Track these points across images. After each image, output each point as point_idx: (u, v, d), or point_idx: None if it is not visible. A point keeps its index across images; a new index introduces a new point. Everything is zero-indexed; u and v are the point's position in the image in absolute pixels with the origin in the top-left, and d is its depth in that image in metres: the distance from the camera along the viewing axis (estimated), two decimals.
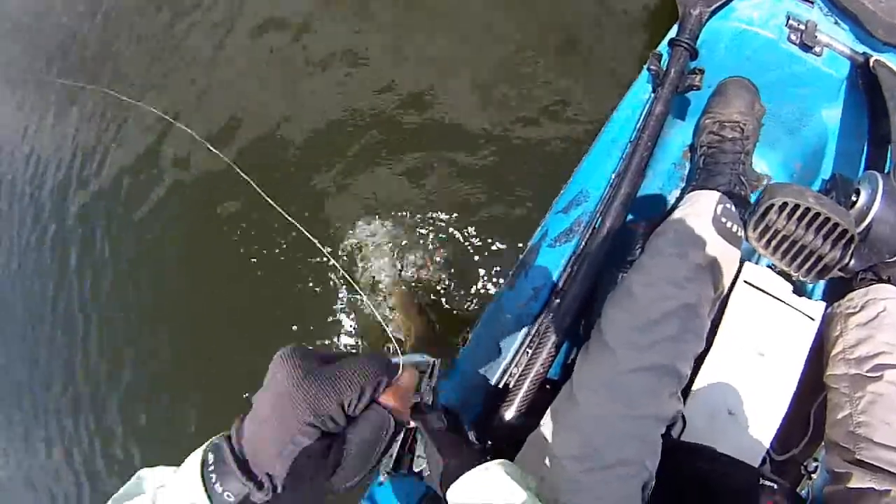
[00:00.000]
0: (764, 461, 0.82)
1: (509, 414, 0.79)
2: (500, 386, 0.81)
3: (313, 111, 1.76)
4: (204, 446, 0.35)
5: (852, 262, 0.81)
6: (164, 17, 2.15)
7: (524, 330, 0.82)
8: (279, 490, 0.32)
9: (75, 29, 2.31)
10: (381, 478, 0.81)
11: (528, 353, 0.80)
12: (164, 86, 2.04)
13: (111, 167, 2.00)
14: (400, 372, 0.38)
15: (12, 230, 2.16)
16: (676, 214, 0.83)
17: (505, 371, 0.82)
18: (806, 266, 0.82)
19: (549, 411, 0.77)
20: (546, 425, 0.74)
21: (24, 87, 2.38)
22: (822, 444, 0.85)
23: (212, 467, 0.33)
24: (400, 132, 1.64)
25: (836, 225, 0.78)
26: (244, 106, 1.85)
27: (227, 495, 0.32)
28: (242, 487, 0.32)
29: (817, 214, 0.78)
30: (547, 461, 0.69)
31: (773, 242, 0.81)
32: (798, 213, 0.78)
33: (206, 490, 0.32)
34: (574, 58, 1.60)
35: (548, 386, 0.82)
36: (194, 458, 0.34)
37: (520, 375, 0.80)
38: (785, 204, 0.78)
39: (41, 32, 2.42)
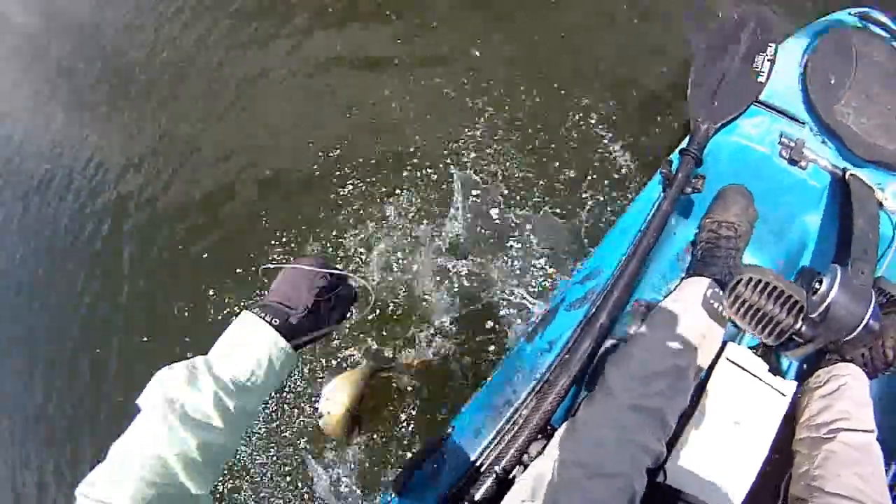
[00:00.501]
0: None
1: (520, 441, 0.93)
2: (510, 423, 0.95)
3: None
4: (242, 313, 0.66)
5: (804, 329, 0.98)
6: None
7: (537, 376, 0.97)
8: (307, 311, 0.66)
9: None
10: (389, 497, 0.94)
11: (537, 398, 0.95)
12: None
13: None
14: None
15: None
16: (674, 294, 0.99)
17: (517, 409, 0.96)
18: (767, 330, 1.00)
19: (553, 440, 0.92)
20: (553, 447, 0.88)
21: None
22: None
23: (258, 310, 0.64)
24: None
25: (790, 297, 0.96)
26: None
27: (274, 321, 0.63)
28: (282, 313, 0.64)
29: (775, 288, 0.97)
30: (555, 467, 0.83)
31: (742, 309, 1.00)
32: (760, 286, 0.96)
33: (260, 318, 0.64)
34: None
35: (549, 428, 0.96)
36: (242, 316, 0.65)
37: (529, 413, 0.93)
38: (751, 279, 0.97)
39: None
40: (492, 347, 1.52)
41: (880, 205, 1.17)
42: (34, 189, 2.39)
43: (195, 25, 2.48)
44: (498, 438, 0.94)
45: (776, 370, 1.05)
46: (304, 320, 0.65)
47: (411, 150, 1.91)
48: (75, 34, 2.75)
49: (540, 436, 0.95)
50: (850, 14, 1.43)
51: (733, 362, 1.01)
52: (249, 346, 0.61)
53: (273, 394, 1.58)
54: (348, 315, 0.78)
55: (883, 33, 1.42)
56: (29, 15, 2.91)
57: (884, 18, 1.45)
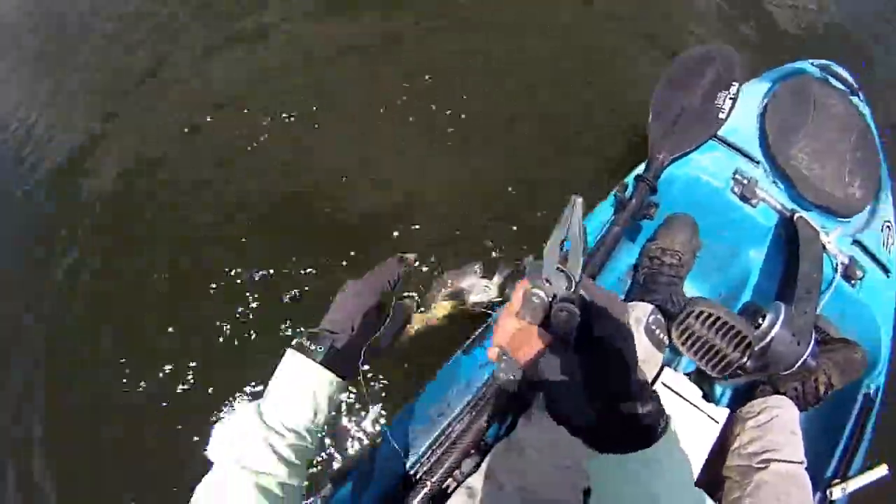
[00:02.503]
0: None
1: (453, 457, 0.93)
2: (443, 436, 0.94)
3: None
4: (289, 350, 0.62)
5: (749, 363, 1.00)
6: None
7: (474, 390, 0.97)
8: (354, 331, 0.61)
9: None
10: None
11: (472, 413, 0.93)
12: None
13: None
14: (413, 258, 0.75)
15: None
16: None
17: (450, 423, 0.95)
18: (713, 362, 1.02)
19: (488, 460, 0.91)
20: (487, 466, 0.85)
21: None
22: None
23: (305, 342, 0.60)
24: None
25: (738, 332, 0.98)
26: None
27: (319, 348, 0.59)
28: (326, 340, 0.59)
29: (725, 322, 0.98)
30: (490, 492, 0.81)
31: (690, 341, 1.01)
32: (710, 320, 0.98)
33: (302, 353, 0.59)
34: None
35: (483, 443, 0.96)
36: (288, 354, 0.61)
37: (463, 430, 0.92)
38: (702, 312, 0.98)
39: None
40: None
41: (824, 247, 1.22)
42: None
43: None
44: (430, 452, 0.93)
45: (709, 397, 1.08)
46: (350, 345, 0.61)
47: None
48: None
49: (473, 451, 0.95)
50: (811, 64, 1.50)
51: (669, 387, 1.03)
52: (300, 390, 0.58)
53: None
54: (400, 335, 0.74)
55: (841, 86, 1.50)
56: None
57: (843, 73, 1.53)
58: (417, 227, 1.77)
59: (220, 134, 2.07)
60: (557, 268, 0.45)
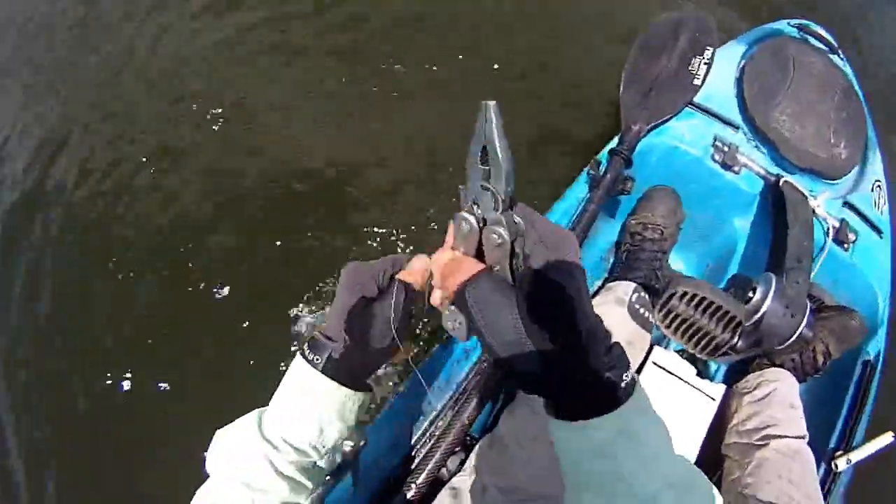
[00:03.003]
0: None
1: (437, 456, 0.88)
2: (427, 435, 0.90)
3: None
4: (296, 357, 0.53)
5: (739, 343, 0.94)
6: None
7: (454, 386, 0.93)
8: (343, 343, 0.50)
9: None
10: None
11: (454, 408, 0.90)
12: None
13: None
14: (407, 259, 0.57)
15: None
16: (597, 299, 0.96)
17: (433, 421, 0.91)
18: (701, 345, 0.96)
19: (473, 456, 0.87)
20: (473, 463, 0.85)
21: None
22: None
23: (307, 349, 0.51)
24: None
25: (726, 312, 0.92)
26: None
27: (316, 359, 0.50)
28: (325, 349, 0.50)
29: (711, 303, 0.92)
30: (477, 490, 0.79)
31: (675, 324, 0.95)
32: (695, 300, 0.93)
33: (307, 362, 0.50)
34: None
35: (468, 439, 0.92)
36: (294, 362, 0.52)
37: (445, 428, 0.88)
38: (685, 293, 0.92)
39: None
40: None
41: (813, 212, 1.17)
42: None
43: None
44: (414, 452, 0.89)
45: (704, 373, 1.04)
46: (349, 353, 0.50)
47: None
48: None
49: (458, 448, 0.91)
50: (789, 24, 1.46)
51: (660, 366, 0.99)
52: (302, 403, 0.50)
53: None
54: (405, 332, 0.56)
55: (820, 45, 1.45)
56: None
57: (822, 31, 1.48)
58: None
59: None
60: (482, 186, 0.38)
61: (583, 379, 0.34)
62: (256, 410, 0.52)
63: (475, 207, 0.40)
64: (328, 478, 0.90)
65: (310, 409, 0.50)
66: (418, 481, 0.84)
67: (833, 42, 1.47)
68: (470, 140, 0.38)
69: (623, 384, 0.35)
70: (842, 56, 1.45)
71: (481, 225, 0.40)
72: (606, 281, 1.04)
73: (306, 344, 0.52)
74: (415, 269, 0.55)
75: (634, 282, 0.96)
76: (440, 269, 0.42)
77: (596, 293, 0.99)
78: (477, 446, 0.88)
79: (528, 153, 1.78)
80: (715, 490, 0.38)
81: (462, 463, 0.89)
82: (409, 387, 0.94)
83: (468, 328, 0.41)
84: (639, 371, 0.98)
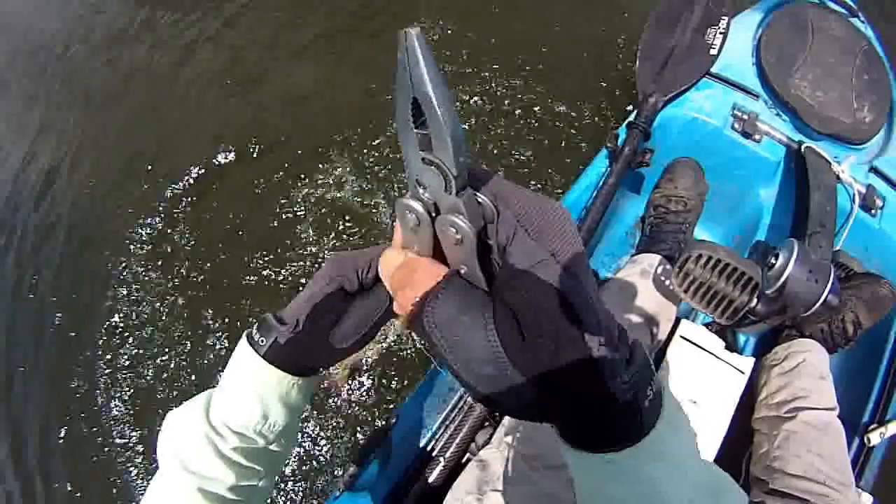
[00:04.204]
0: None
1: (465, 430, 0.89)
2: (456, 410, 0.91)
3: None
4: (244, 335, 0.48)
5: (759, 306, 0.93)
6: None
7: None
8: (300, 327, 0.44)
9: None
10: (338, 492, 0.89)
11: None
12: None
13: None
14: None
15: None
16: (622, 273, 0.96)
17: (461, 397, 0.92)
18: (720, 309, 0.94)
19: (500, 430, 0.88)
20: (500, 436, 0.85)
21: None
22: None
23: (255, 330, 0.46)
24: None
25: (742, 273, 0.91)
26: None
27: (261, 340, 0.45)
28: (273, 332, 0.45)
29: (727, 264, 0.91)
30: (503, 459, 0.79)
31: (692, 287, 0.94)
32: (711, 262, 0.92)
33: (250, 344, 0.46)
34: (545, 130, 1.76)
35: (497, 414, 0.92)
36: (243, 339, 0.47)
37: (472, 404, 0.90)
38: (700, 255, 0.92)
39: None
40: None
41: (837, 178, 1.15)
42: None
43: None
44: (443, 428, 0.90)
45: (732, 346, 1.02)
46: (295, 341, 0.45)
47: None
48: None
49: (487, 423, 0.92)
50: None
51: (688, 340, 0.98)
52: (245, 388, 0.46)
53: None
54: (373, 335, 0.50)
55: (840, 9, 1.41)
56: None
57: None
58: None
59: None
60: (423, 159, 0.26)
61: (597, 407, 0.26)
62: (209, 390, 0.49)
63: (421, 190, 0.28)
64: (359, 461, 0.91)
65: (250, 395, 0.45)
66: (446, 456, 0.86)
67: (853, 5, 1.42)
68: (392, 95, 0.26)
69: (647, 403, 0.27)
70: (863, 19, 1.41)
71: (433, 214, 0.28)
72: (632, 256, 1.03)
73: (256, 324, 0.47)
74: None
75: (659, 254, 0.95)
76: (388, 277, 0.32)
77: (621, 267, 0.99)
78: (505, 418, 0.89)
79: (544, 133, 1.77)
80: (742, 492, 0.34)
81: (490, 437, 0.90)
82: (416, 392, 0.95)
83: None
84: (666, 344, 0.97)
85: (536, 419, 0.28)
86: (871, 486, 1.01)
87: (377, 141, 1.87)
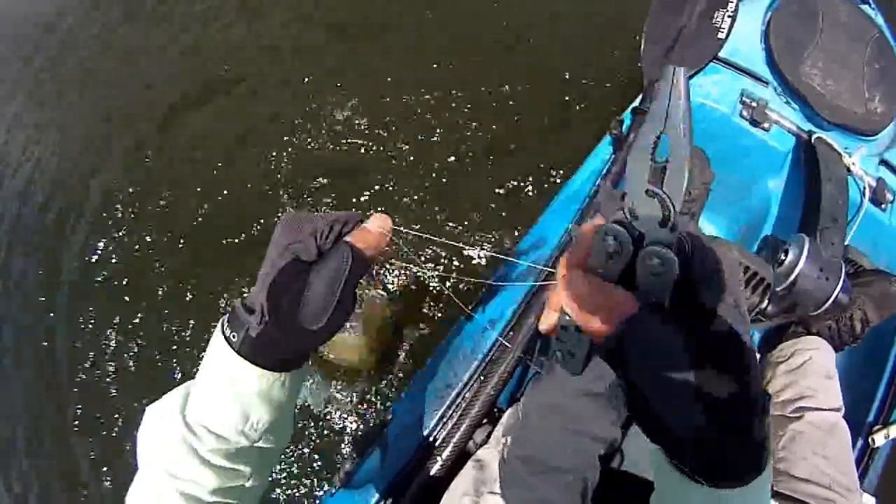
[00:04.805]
0: None
1: (463, 429, 0.85)
2: (453, 407, 0.87)
3: None
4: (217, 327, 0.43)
5: (770, 307, 0.89)
6: None
7: (479, 357, 0.89)
8: (266, 316, 0.40)
9: None
10: (334, 488, 0.86)
11: (481, 378, 0.86)
12: None
13: None
14: (367, 221, 0.45)
15: None
16: None
17: (459, 393, 0.88)
18: None
19: (498, 428, 0.85)
20: (498, 435, 0.83)
21: None
22: None
23: (226, 323, 0.42)
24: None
25: (755, 274, 0.86)
26: None
27: (233, 336, 0.41)
28: (243, 324, 0.40)
29: (739, 263, 0.87)
30: (499, 460, 0.76)
31: None
32: None
33: (225, 339, 0.41)
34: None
35: (495, 411, 0.88)
36: (217, 330, 0.43)
37: (471, 400, 0.86)
38: None
39: None
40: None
41: (848, 170, 1.11)
42: None
43: None
44: (441, 425, 0.86)
45: None
46: (270, 331, 0.40)
47: None
48: None
49: (485, 421, 0.88)
50: None
51: None
52: (220, 386, 0.41)
53: None
54: (349, 306, 0.43)
55: None
56: None
57: None
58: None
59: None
60: (648, 191, 0.27)
61: (752, 439, 0.29)
62: (187, 384, 0.44)
63: (630, 218, 0.29)
64: (355, 457, 0.87)
65: (227, 394, 0.41)
66: (443, 455, 0.82)
67: None
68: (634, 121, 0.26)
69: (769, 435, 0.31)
70: (872, 5, 1.36)
71: (634, 243, 0.29)
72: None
73: (226, 316, 0.42)
74: (373, 233, 0.44)
75: None
76: (576, 298, 0.31)
77: None
78: (504, 416, 0.85)
79: (550, 119, 1.72)
80: None
81: (489, 435, 0.86)
82: (435, 358, 0.91)
83: (584, 363, 0.33)
84: None
85: (687, 453, 0.30)
86: (874, 488, 0.98)
87: None
